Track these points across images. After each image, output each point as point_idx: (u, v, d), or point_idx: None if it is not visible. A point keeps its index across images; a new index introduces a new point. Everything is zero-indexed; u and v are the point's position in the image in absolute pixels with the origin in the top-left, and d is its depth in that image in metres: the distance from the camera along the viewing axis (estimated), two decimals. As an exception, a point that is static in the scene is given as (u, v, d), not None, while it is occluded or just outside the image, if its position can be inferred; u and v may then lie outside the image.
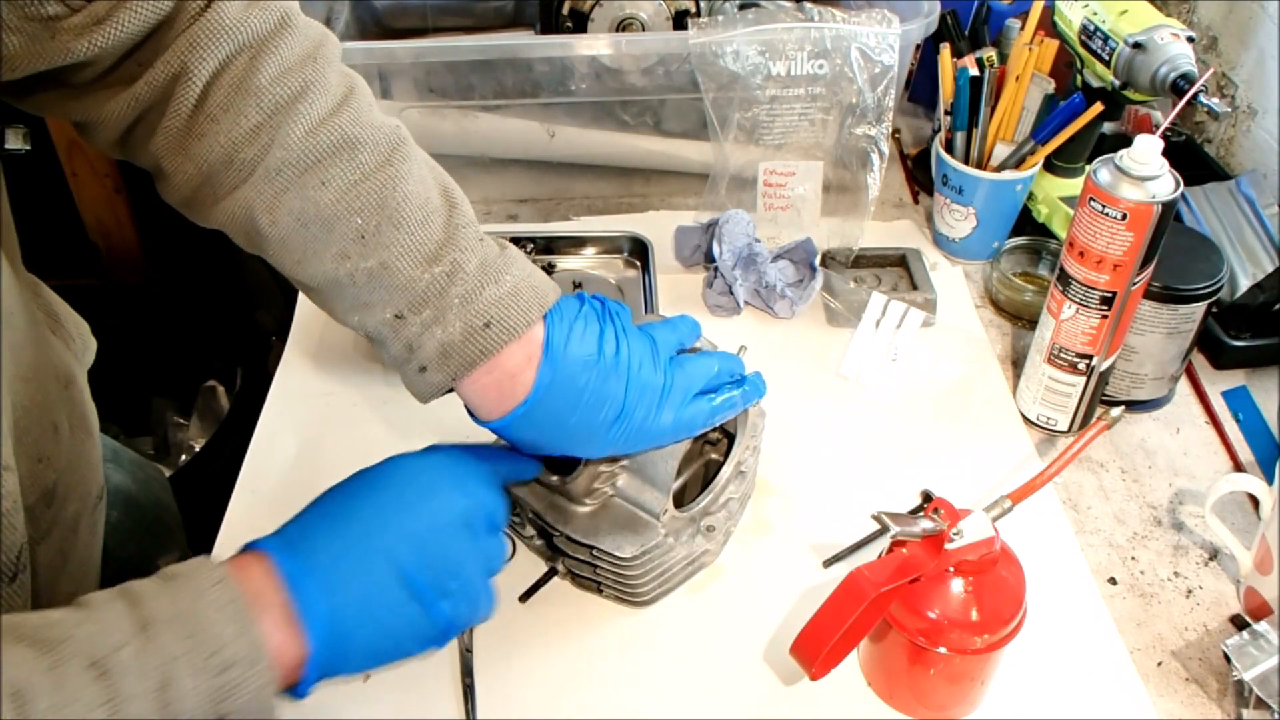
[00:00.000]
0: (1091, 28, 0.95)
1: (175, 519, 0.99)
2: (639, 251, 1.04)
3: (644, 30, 1.11)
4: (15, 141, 1.53)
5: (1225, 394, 0.93)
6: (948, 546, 0.62)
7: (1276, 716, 0.66)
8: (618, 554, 0.69)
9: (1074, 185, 1.05)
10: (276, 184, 0.58)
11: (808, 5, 1.02)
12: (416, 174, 0.61)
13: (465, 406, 0.65)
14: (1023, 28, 1.00)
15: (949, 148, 1.03)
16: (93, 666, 0.44)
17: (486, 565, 0.61)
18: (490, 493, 0.62)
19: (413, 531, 0.57)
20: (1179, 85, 0.88)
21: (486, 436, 0.66)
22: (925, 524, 0.63)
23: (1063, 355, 0.83)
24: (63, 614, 0.47)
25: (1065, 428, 0.88)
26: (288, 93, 0.57)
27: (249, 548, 0.56)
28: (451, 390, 0.63)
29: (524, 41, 1.13)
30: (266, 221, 0.59)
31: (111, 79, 0.56)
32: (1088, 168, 0.84)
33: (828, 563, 0.78)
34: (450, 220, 0.61)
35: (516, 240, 1.03)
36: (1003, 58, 1.02)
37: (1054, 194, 1.05)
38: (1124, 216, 0.74)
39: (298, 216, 0.59)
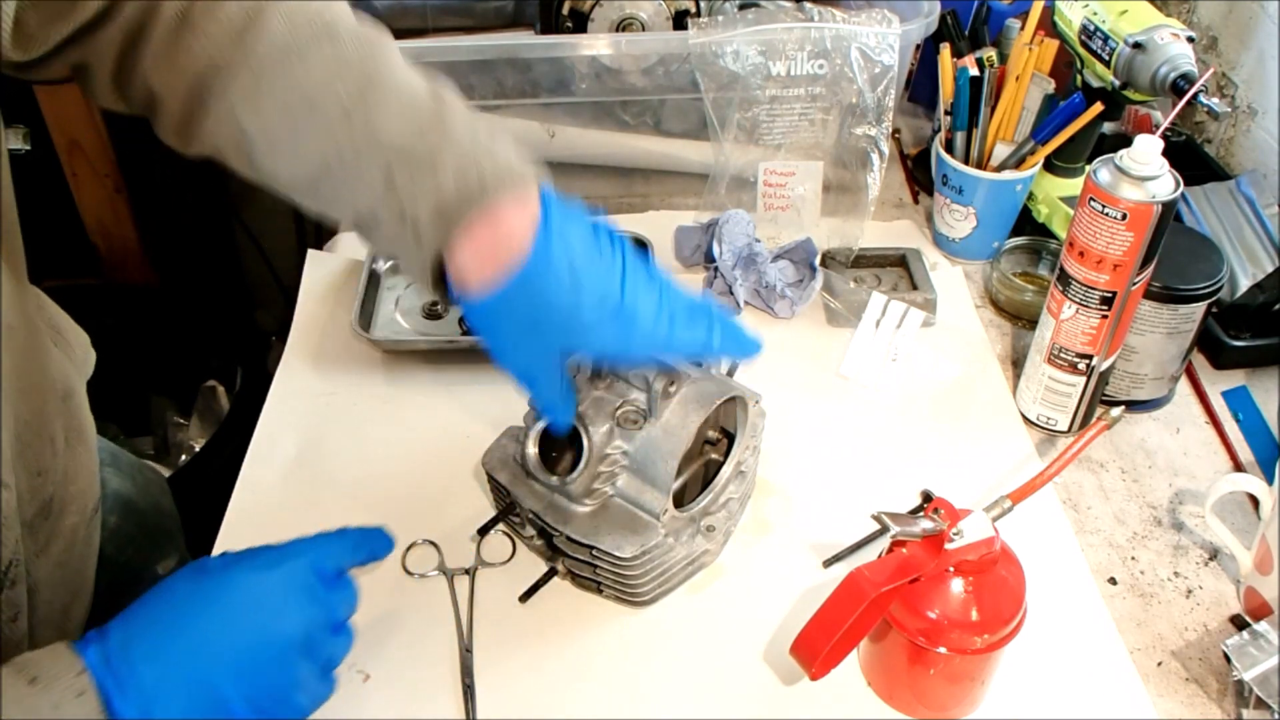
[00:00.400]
0: (1091, 28, 0.96)
1: (175, 522, 0.99)
2: (639, 251, 1.04)
3: (644, 30, 1.11)
4: (15, 141, 1.53)
5: (1225, 394, 0.93)
6: (948, 546, 0.62)
7: (1276, 716, 0.66)
8: (618, 554, 0.69)
9: (1074, 185, 1.05)
10: (259, 76, 0.57)
11: (808, 5, 1.02)
12: (398, 57, 0.61)
13: (451, 292, 0.61)
14: (1023, 28, 1.00)
15: (949, 148, 1.03)
16: None
17: (322, 671, 0.58)
18: (334, 596, 0.59)
19: (239, 662, 0.54)
20: (1179, 85, 0.88)
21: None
22: (925, 524, 0.63)
23: (1063, 355, 0.83)
24: None
25: (1065, 428, 0.88)
26: None
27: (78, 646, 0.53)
28: (443, 276, 0.61)
29: (524, 41, 1.13)
30: (251, 117, 0.58)
31: (101, 13, 0.57)
32: (1088, 168, 0.84)
33: (828, 563, 0.78)
34: (436, 93, 0.60)
35: (516, 240, 1.03)
36: (1003, 58, 1.02)
37: (1054, 194, 1.05)
38: (1124, 216, 0.74)
39: (281, 103, 0.58)
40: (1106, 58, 0.94)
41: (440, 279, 0.61)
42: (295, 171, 0.60)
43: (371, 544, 0.62)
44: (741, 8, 1.09)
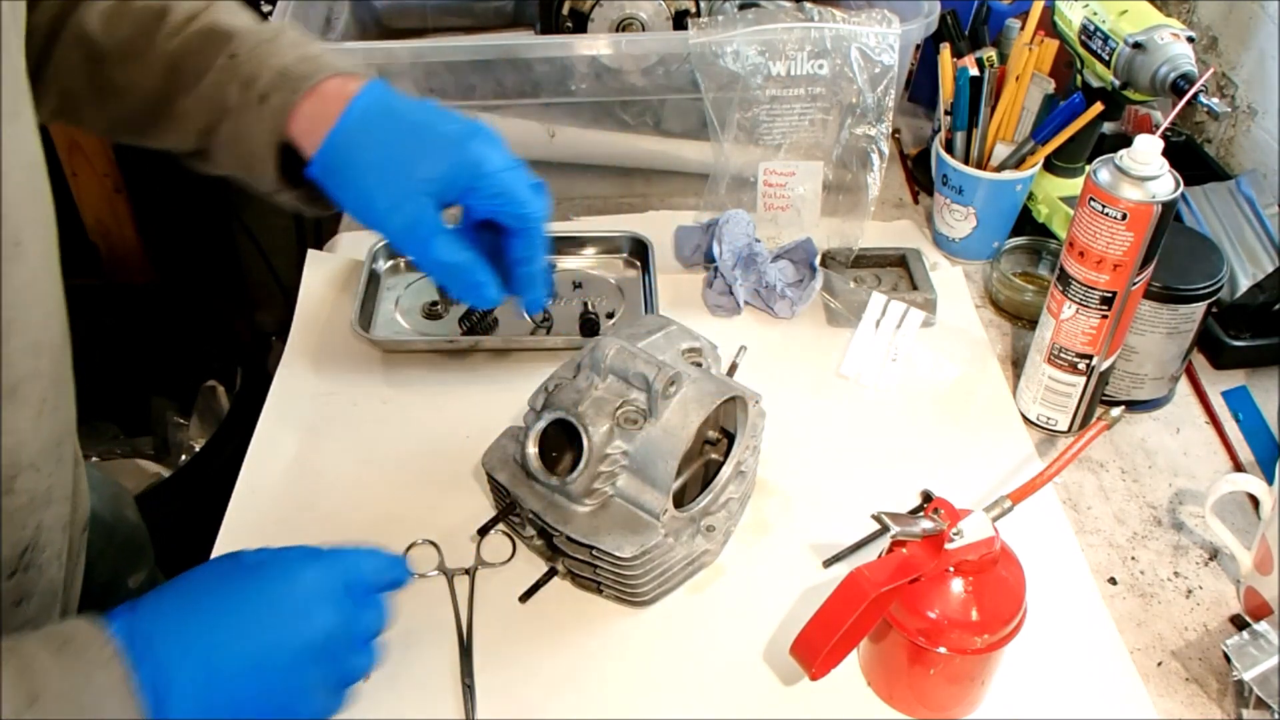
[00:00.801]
0: (1091, 28, 0.96)
1: (144, 535, 0.98)
2: (639, 251, 1.04)
3: (644, 30, 1.11)
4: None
5: (1225, 394, 0.93)
6: (948, 546, 0.62)
7: (1276, 716, 0.66)
8: (618, 554, 0.69)
9: (1074, 185, 1.05)
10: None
11: (808, 5, 1.02)
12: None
13: (280, 155, 0.66)
14: (1023, 28, 1.00)
15: (949, 148, 1.03)
16: None
17: (336, 685, 0.58)
18: (362, 611, 0.59)
19: (254, 657, 0.54)
20: (1179, 85, 0.88)
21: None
22: (925, 524, 0.63)
23: (1063, 355, 0.83)
24: None
25: (1065, 428, 0.88)
26: None
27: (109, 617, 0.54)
28: (283, 145, 0.65)
29: (524, 41, 1.13)
30: (104, 33, 0.64)
31: None
32: (1088, 168, 0.84)
33: (828, 563, 0.78)
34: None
35: (516, 240, 1.03)
36: (1003, 58, 1.02)
37: (1054, 194, 1.05)
38: (1124, 216, 0.74)
39: (135, 19, 0.65)
40: (1106, 58, 0.94)
41: (280, 158, 0.65)
42: (144, 82, 0.64)
43: (396, 571, 0.63)
44: (741, 8, 1.09)
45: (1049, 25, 1.02)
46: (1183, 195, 0.76)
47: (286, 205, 0.71)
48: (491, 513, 0.77)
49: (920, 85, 1.28)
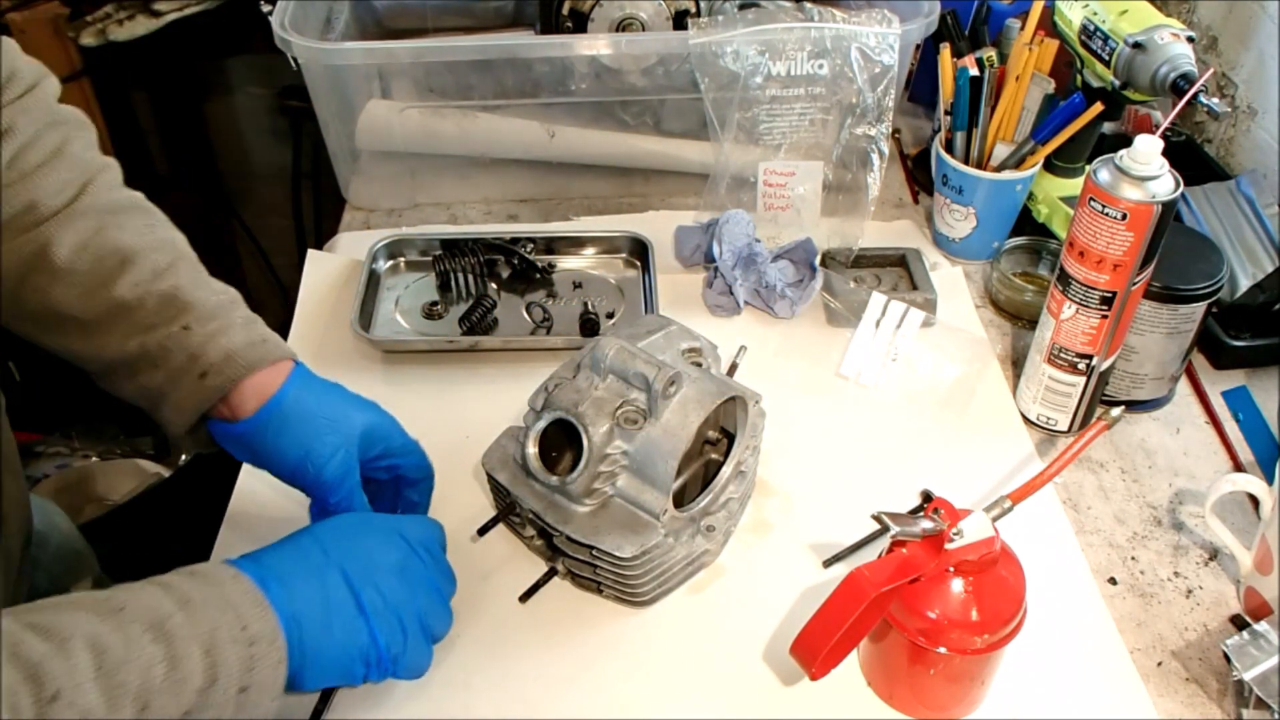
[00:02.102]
0: (1091, 28, 0.96)
1: (83, 544, 0.98)
2: (639, 251, 1.04)
3: (644, 30, 1.11)
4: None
5: (1225, 394, 0.93)
6: (948, 546, 0.62)
7: (1276, 716, 0.66)
8: (618, 554, 0.69)
9: (1074, 185, 1.05)
10: (79, 225, 0.68)
11: (808, 5, 1.02)
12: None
13: (202, 419, 0.71)
14: (1023, 28, 1.00)
15: (949, 148, 1.03)
16: (151, 629, 0.51)
17: (423, 615, 0.66)
18: (433, 554, 0.69)
19: (363, 554, 0.64)
20: (1179, 85, 0.88)
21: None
22: (925, 524, 0.63)
23: (1063, 355, 0.83)
24: (107, 592, 0.53)
25: (1065, 428, 0.88)
26: (96, 162, 0.71)
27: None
28: (205, 416, 0.70)
29: (524, 41, 1.13)
30: (65, 255, 0.68)
31: None
32: (1088, 168, 0.84)
33: (828, 563, 0.78)
34: (225, 287, 0.74)
35: (516, 240, 1.03)
36: (1003, 58, 1.02)
37: (1054, 194, 1.05)
38: (1124, 216, 0.74)
39: (94, 252, 0.68)
40: (1106, 58, 0.94)
41: (198, 419, 0.71)
42: (89, 308, 0.69)
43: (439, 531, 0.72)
44: (741, 8, 1.09)
45: (1049, 25, 1.02)
46: (1183, 195, 0.76)
47: (175, 438, 0.75)
48: (491, 513, 0.77)
49: (920, 85, 1.28)
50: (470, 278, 1.01)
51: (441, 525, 0.72)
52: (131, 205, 0.73)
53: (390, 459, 0.75)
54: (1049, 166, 1.05)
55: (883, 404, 0.91)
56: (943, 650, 0.64)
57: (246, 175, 2.00)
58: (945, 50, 1.03)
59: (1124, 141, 0.76)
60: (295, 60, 1.02)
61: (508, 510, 0.76)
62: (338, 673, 0.61)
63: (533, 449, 0.72)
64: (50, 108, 0.71)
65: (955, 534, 0.62)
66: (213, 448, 0.74)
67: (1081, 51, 0.98)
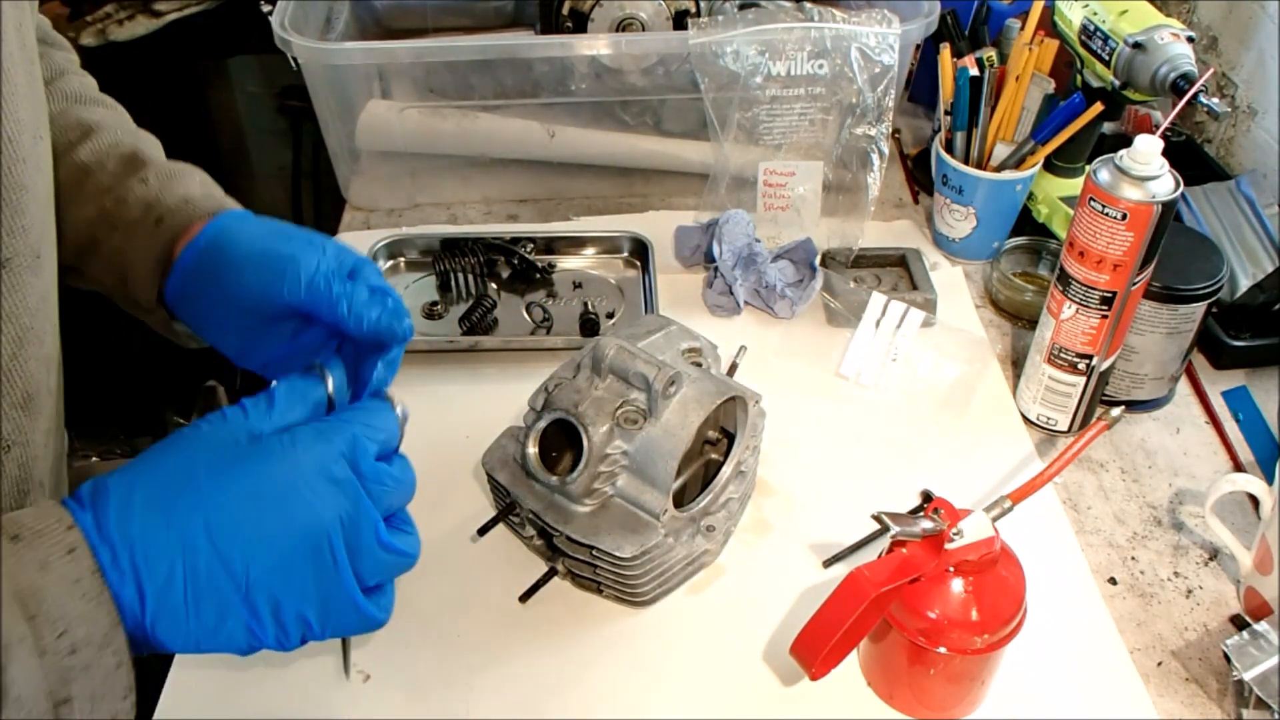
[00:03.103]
0: (1091, 28, 0.96)
1: None
2: (639, 251, 1.04)
3: (644, 30, 1.11)
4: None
5: (1225, 394, 0.93)
6: (948, 546, 0.62)
7: (1276, 716, 0.66)
8: (618, 554, 0.69)
9: (1074, 185, 1.05)
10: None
11: (808, 5, 1.02)
12: None
13: (163, 274, 0.66)
14: (1023, 28, 1.00)
15: (949, 148, 1.03)
16: None
17: (330, 601, 0.50)
18: (374, 485, 0.51)
19: (268, 554, 0.48)
20: (1179, 85, 0.88)
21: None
22: (925, 524, 0.63)
23: (1063, 355, 0.83)
24: None
25: (1065, 428, 0.88)
26: (71, 67, 0.74)
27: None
28: (166, 263, 0.66)
29: (524, 41, 1.13)
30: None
31: None
32: (1088, 168, 0.84)
33: (828, 563, 0.78)
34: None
35: (516, 240, 1.03)
36: (1003, 58, 1.02)
37: (1054, 194, 1.05)
38: (1124, 216, 0.74)
39: (58, 124, 0.68)
40: (1106, 58, 0.94)
41: (162, 278, 0.66)
42: (60, 172, 0.67)
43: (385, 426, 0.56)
44: (741, 8, 1.09)
45: (1049, 25, 1.02)
46: (1183, 195, 0.76)
47: (157, 328, 0.72)
48: (491, 513, 0.77)
49: (920, 85, 1.28)
50: (470, 278, 1.01)
51: (396, 420, 0.57)
52: (101, 99, 0.73)
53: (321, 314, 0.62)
54: (1049, 166, 1.05)
55: (883, 404, 0.91)
56: (943, 650, 0.64)
57: (246, 175, 2.00)
58: (945, 50, 1.03)
59: (1124, 141, 0.76)
60: (295, 60, 1.02)
61: (508, 510, 0.76)
62: (219, 649, 0.48)
63: (533, 449, 0.72)
64: (39, 23, 0.71)
65: (955, 534, 0.62)
66: (178, 336, 0.71)
67: (1081, 51, 0.98)
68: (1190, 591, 0.77)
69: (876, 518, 0.64)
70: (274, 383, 0.54)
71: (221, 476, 0.48)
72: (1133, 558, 0.80)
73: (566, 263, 1.05)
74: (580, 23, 1.12)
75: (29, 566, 0.44)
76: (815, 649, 0.61)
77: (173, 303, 0.67)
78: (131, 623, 0.46)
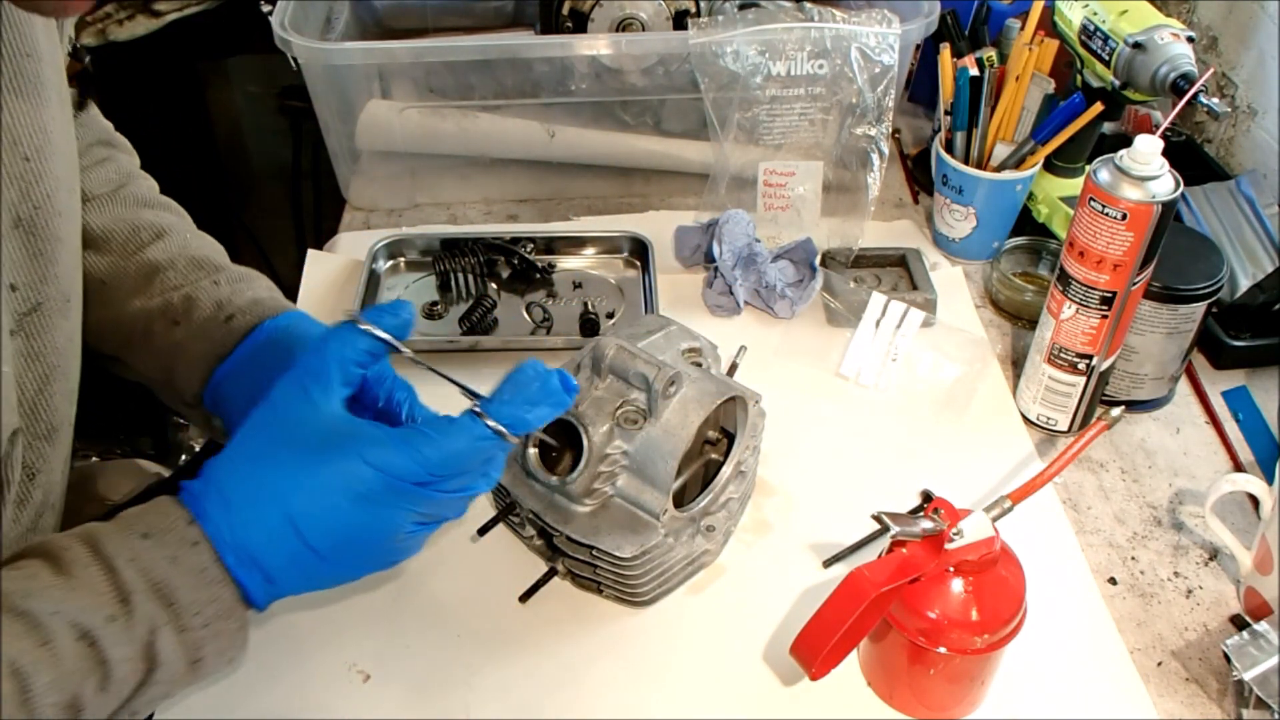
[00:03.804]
0: (1091, 28, 0.96)
1: None
2: (639, 251, 1.04)
3: (644, 30, 1.11)
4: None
5: (1225, 394, 0.93)
6: (948, 546, 0.62)
7: (1276, 716, 0.66)
8: (618, 554, 0.69)
9: (1074, 185, 1.05)
10: (117, 207, 0.76)
11: (808, 5, 1.02)
12: None
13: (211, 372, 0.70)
14: (1023, 28, 1.00)
15: (949, 148, 1.03)
16: (83, 638, 0.49)
17: (400, 528, 0.56)
18: (383, 450, 0.55)
19: (312, 498, 0.55)
20: (1179, 85, 0.88)
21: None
22: (925, 524, 0.63)
23: (1063, 355, 0.83)
24: (47, 581, 0.50)
25: (1065, 428, 0.88)
26: (137, 172, 0.82)
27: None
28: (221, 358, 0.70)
29: (524, 41, 1.13)
30: (101, 224, 0.74)
31: None
32: (1088, 168, 0.84)
33: (828, 563, 0.78)
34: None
35: (516, 240, 1.03)
36: (1003, 58, 1.02)
37: (1054, 194, 1.05)
38: (1124, 216, 0.74)
39: (130, 224, 0.75)
40: (1106, 58, 0.94)
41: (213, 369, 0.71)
42: (118, 270, 0.73)
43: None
44: (741, 8, 1.09)
45: (1049, 25, 1.02)
46: (1183, 195, 0.76)
47: (195, 422, 0.76)
48: (491, 513, 0.77)
49: (920, 85, 1.28)
50: (470, 278, 1.01)
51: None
52: (167, 204, 0.80)
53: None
54: (1049, 166, 1.05)
55: (883, 404, 0.91)
56: (943, 650, 0.64)
57: (246, 175, 2.00)
58: (945, 50, 1.03)
59: (1124, 141, 0.76)
60: (295, 60, 1.02)
61: (508, 510, 0.76)
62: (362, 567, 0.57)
63: (533, 449, 0.72)
64: (104, 127, 0.81)
65: (955, 534, 0.62)
66: (215, 431, 0.73)
67: (1081, 51, 0.98)
68: (1190, 591, 0.77)
69: (876, 518, 0.64)
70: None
71: (301, 470, 0.55)
72: (1133, 558, 0.80)
73: (566, 263, 1.05)
74: (580, 23, 1.12)
75: (161, 561, 0.52)
76: (815, 649, 0.61)
77: (210, 398, 0.71)
78: (264, 598, 0.55)
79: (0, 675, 0.46)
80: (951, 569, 0.63)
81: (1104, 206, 0.74)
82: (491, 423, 0.57)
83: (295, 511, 0.54)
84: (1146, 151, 0.73)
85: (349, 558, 0.56)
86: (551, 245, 1.05)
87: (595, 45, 1.04)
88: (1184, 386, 0.94)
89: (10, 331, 0.61)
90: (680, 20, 1.11)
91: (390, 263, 1.04)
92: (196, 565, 0.53)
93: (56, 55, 0.65)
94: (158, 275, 0.73)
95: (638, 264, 1.05)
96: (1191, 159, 1.15)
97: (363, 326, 0.59)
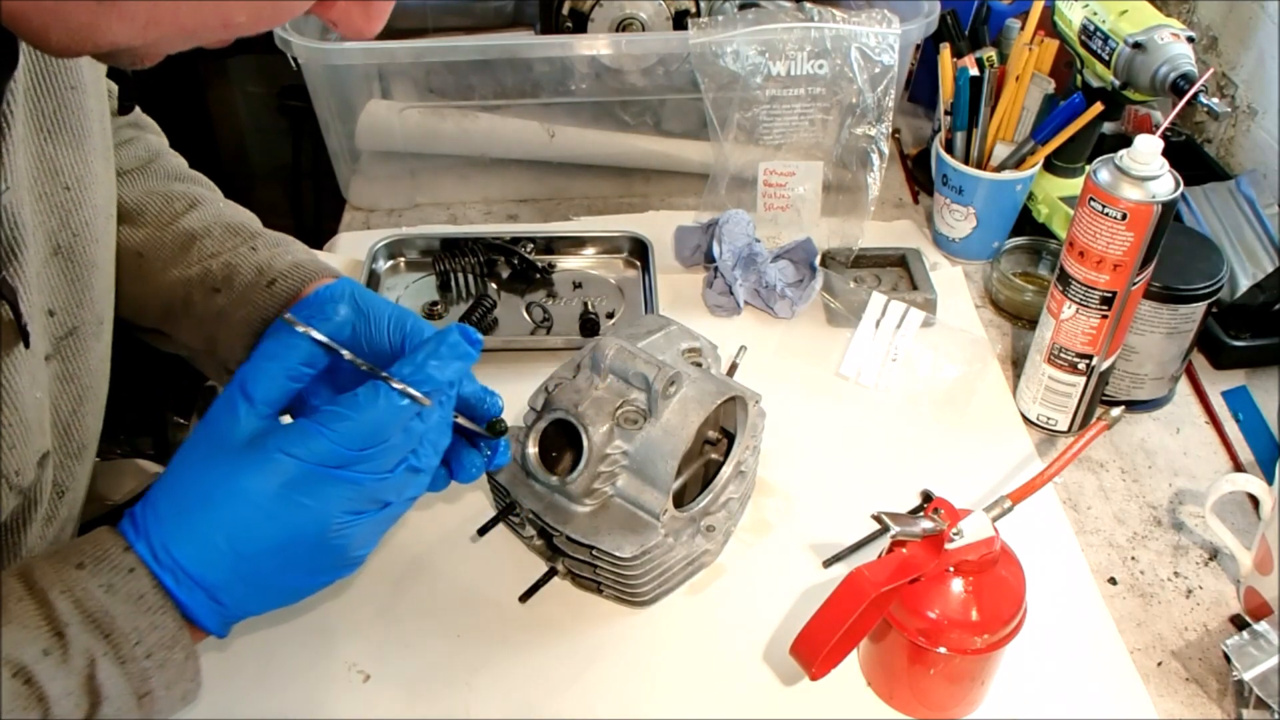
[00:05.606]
0: (1091, 28, 0.96)
1: None
2: (639, 251, 1.04)
3: (644, 30, 1.11)
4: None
5: (1225, 394, 0.93)
6: (948, 546, 0.62)
7: (1276, 716, 0.66)
8: (618, 554, 0.69)
9: (1074, 185, 1.05)
10: (149, 181, 0.76)
11: (808, 5, 1.02)
12: None
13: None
14: (1023, 28, 1.00)
15: (949, 148, 1.03)
16: (18, 674, 0.47)
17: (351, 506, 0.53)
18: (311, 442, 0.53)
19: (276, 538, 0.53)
20: (1179, 85, 0.88)
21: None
22: (925, 524, 0.63)
23: (1063, 355, 0.83)
24: None
25: (1065, 428, 0.88)
26: (166, 148, 0.81)
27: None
28: (269, 316, 0.68)
29: (524, 41, 1.13)
30: (134, 197, 0.74)
31: None
32: (1088, 168, 0.84)
33: (828, 563, 0.78)
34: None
35: (516, 240, 1.03)
36: (1003, 58, 1.02)
37: (1054, 194, 1.05)
38: (1124, 216, 0.74)
39: (163, 195, 0.75)
40: (1106, 58, 0.94)
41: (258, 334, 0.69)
42: (154, 242, 0.73)
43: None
44: (741, 8, 1.09)
45: (1049, 25, 1.02)
46: (1183, 195, 0.76)
47: (224, 375, 0.73)
48: (491, 513, 0.77)
49: (920, 85, 1.28)
50: (470, 278, 1.01)
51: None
52: (197, 178, 0.80)
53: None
54: (1049, 166, 1.05)
55: (883, 404, 0.91)
56: (943, 650, 0.64)
57: (246, 175, 2.00)
58: (945, 50, 1.03)
59: (1124, 141, 0.76)
60: (295, 60, 1.02)
61: (508, 510, 0.76)
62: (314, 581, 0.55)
63: (533, 449, 0.72)
64: (140, 118, 0.81)
65: (955, 534, 0.62)
66: None
67: (1081, 51, 0.98)
68: (1190, 591, 0.77)
69: (876, 518, 0.64)
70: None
71: (225, 476, 0.52)
72: (1133, 558, 0.80)
73: (566, 263, 1.05)
74: (580, 23, 1.12)
75: (96, 590, 0.50)
76: (815, 649, 0.61)
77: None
78: (215, 621, 0.53)
79: None
80: (951, 569, 0.63)
81: (1104, 206, 0.74)
82: (397, 384, 0.54)
83: (222, 518, 0.52)
84: (1146, 151, 0.73)
85: (291, 562, 0.53)
86: (551, 245, 1.05)
87: (595, 45, 1.04)
88: (1184, 386, 0.94)
89: (46, 355, 0.61)
90: (680, 20, 1.11)
91: (390, 263, 1.04)
92: (134, 592, 0.50)
93: (100, 84, 0.66)
94: (195, 243, 0.72)
95: (638, 264, 1.05)
96: (1191, 159, 1.15)
97: (300, 329, 0.57)
